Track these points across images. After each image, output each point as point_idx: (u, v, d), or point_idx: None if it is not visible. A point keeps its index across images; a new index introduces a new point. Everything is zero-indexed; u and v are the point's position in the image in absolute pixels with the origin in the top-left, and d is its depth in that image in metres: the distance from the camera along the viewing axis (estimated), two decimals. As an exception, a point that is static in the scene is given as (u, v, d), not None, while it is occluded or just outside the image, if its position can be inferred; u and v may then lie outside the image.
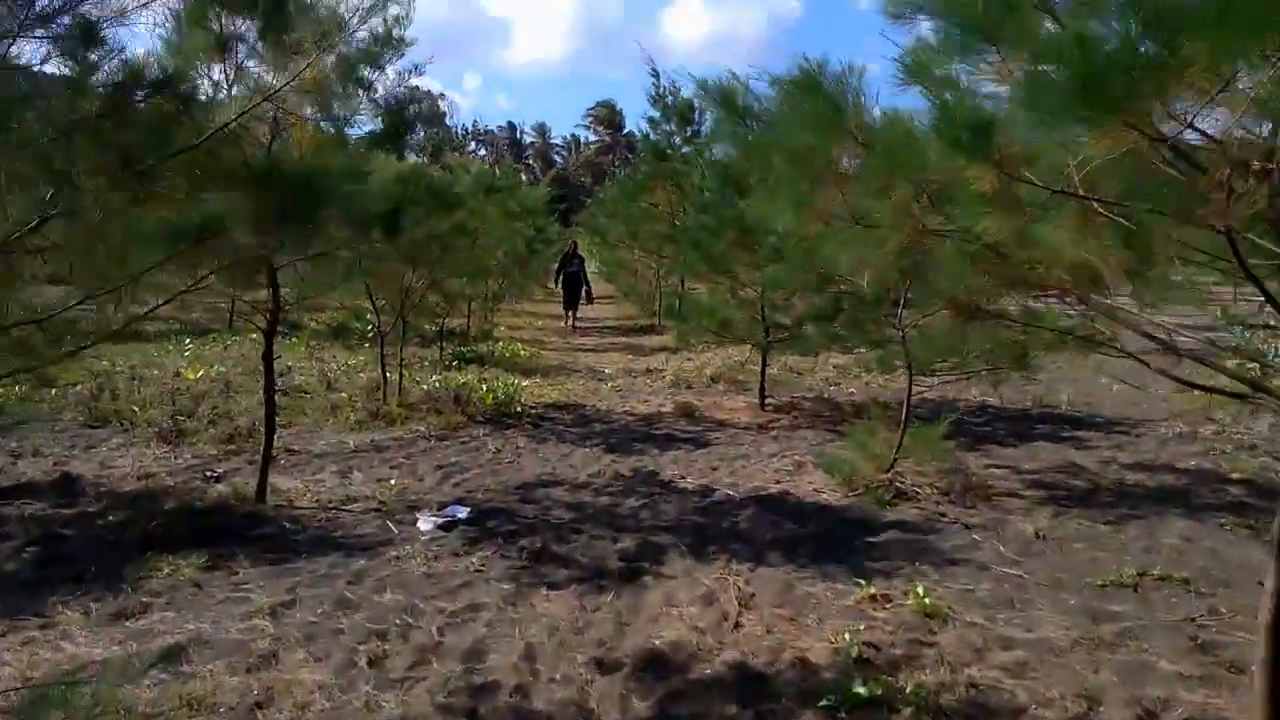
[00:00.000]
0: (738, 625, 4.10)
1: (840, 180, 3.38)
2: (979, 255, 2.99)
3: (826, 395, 10.68)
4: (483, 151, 79.09)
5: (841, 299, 7.18)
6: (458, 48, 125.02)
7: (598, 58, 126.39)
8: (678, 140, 17.52)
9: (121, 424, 8.03)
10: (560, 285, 20.27)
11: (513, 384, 10.29)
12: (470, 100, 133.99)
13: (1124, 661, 3.83)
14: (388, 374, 9.30)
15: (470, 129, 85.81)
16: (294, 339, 13.46)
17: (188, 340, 12.67)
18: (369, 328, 9.56)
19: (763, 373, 9.75)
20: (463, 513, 5.62)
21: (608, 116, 79.56)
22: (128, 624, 4.02)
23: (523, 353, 13.78)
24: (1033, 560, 5.08)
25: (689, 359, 13.76)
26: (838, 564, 4.93)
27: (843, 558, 5.05)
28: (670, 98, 17.36)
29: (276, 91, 3.69)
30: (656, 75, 17.20)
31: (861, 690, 3.31)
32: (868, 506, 5.99)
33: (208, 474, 6.55)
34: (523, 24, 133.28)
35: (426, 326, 12.87)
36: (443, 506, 5.77)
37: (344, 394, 9.21)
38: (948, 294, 3.50)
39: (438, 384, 10.20)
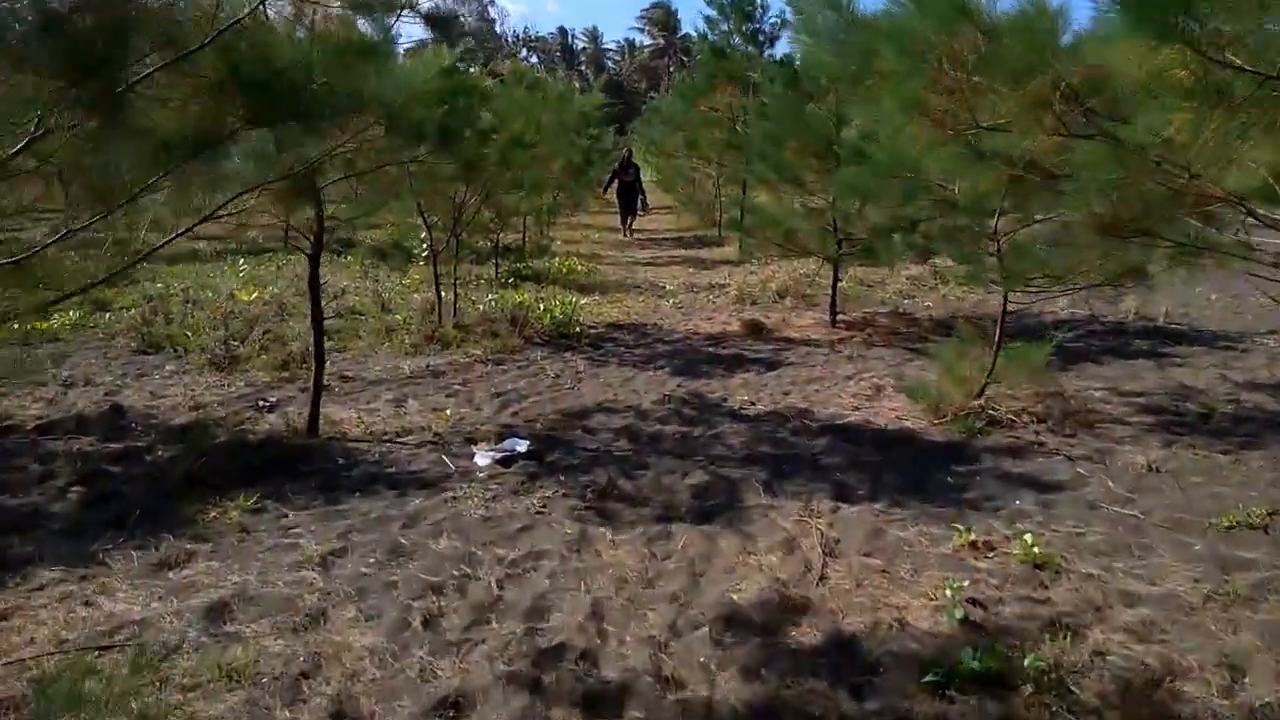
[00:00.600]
0: (823, 577, 3.72)
1: (962, 76, 2.83)
2: (1133, 161, 2.45)
3: (901, 310, 10.10)
4: (535, 59, 77.33)
5: (928, 206, 6.55)
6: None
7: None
8: (738, 40, 16.51)
9: (174, 350, 7.86)
10: (616, 194, 19.80)
11: (571, 303, 9.90)
12: (520, 7, 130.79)
13: (1265, 621, 3.37)
14: (442, 294, 8.97)
15: (521, 36, 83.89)
16: (348, 258, 13.19)
17: (242, 261, 12.47)
18: (423, 246, 9.18)
19: (834, 287, 9.19)
20: (522, 446, 5.30)
21: (662, 18, 76.90)
22: (170, 575, 3.79)
23: (580, 268, 13.35)
24: (1147, 497, 4.59)
25: (753, 273, 13.20)
26: (929, 503, 4.50)
27: (934, 495, 4.61)
28: None
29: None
30: None
31: (974, 664, 2.91)
32: (957, 435, 5.52)
33: (260, 403, 6.33)
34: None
35: (481, 243, 12.50)
36: (501, 439, 5.46)
37: (399, 316, 8.91)
38: (1088, 207, 2.96)
39: (494, 304, 9.86)
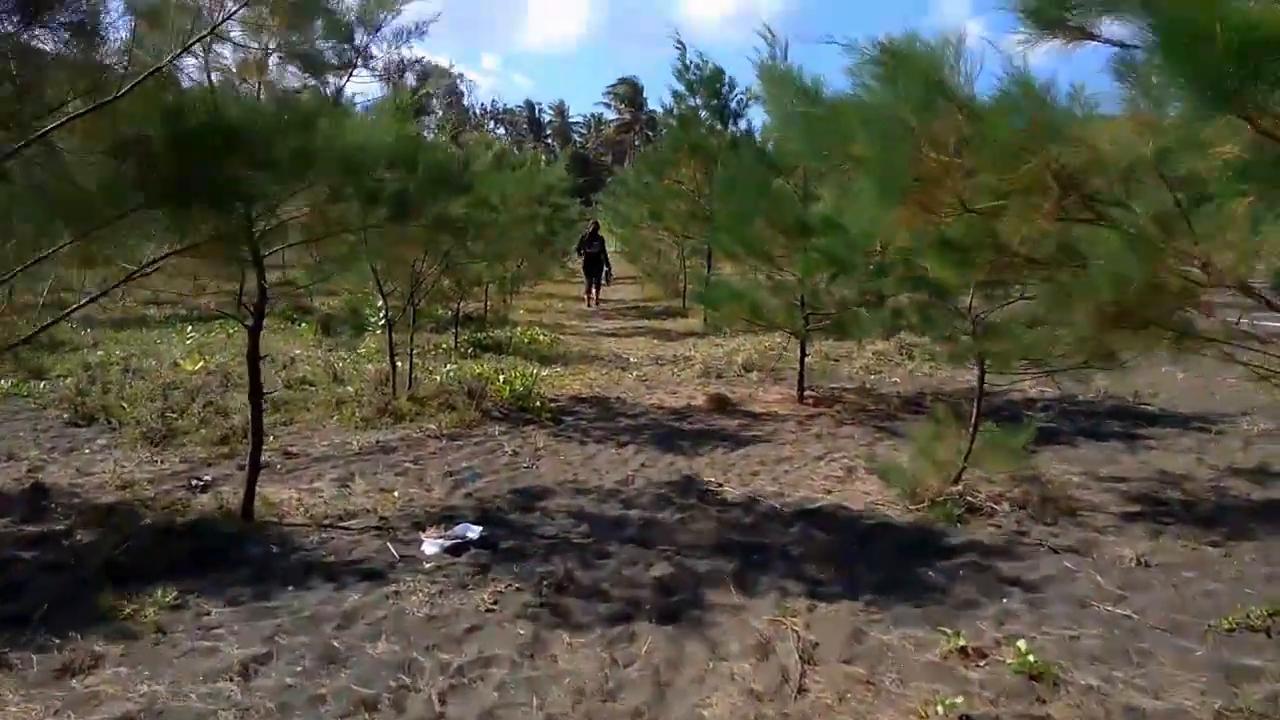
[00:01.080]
0: (802, 689, 3.38)
1: (943, 159, 2.63)
2: (1146, 250, 2.24)
3: (869, 386, 9.91)
4: (501, 131, 78.19)
5: (896, 281, 6.39)
6: (475, 27, 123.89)
7: (616, 37, 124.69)
8: (705, 114, 16.55)
9: (109, 422, 7.39)
10: (582, 265, 20.36)
11: (531, 375, 9.60)
12: (488, 79, 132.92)
13: (1282, 740, 3.09)
14: (397, 365, 8.61)
15: (489, 108, 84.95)
16: (302, 325, 12.82)
17: (190, 328, 11.99)
18: (379, 315, 8.84)
19: (801, 362, 8.98)
20: (474, 532, 4.93)
21: (629, 94, 78.38)
22: (73, 683, 3.35)
23: (542, 338, 13.08)
24: (1139, 595, 4.32)
25: (718, 345, 13.02)
26: (912, 601, 4.19)
27: (917, 592, 4.31)
28: (696, 72, 16.38)
29: (219, 24, 2.95)
30: (682, 46, 16.20)
31: (976, 801, 2.59)
32: (935, 524, 5.25)
33: (193, 482, 5.90)
34: (540, 2, 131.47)
35: (441, 311, 12.20)
36: (452, 524, 5.08)
37: (350, 388, 8.52)
38: (1092, 295, 2.74)
39: (451, 375, 9.52)
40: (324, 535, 4.99)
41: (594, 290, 20.20)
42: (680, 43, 15.90)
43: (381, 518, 5.26)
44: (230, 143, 2.44)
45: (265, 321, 5.41)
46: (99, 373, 9.05)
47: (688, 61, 16.14)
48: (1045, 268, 3.09)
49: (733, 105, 16.45)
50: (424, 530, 4.99)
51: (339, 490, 5.77)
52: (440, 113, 76.23)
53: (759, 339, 12.26)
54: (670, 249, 20.16)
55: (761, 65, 3.50)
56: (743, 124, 16.81)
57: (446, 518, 5.25)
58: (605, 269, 20.48)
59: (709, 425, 8.00)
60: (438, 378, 9.75)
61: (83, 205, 2.04)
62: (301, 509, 5.37)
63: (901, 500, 5.55)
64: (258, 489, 5.41)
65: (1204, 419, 8.13)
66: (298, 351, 11.48)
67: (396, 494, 5.59)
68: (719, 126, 16.28)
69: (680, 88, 16.24)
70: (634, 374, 10.67)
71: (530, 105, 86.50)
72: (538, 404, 8.48)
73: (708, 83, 16.18)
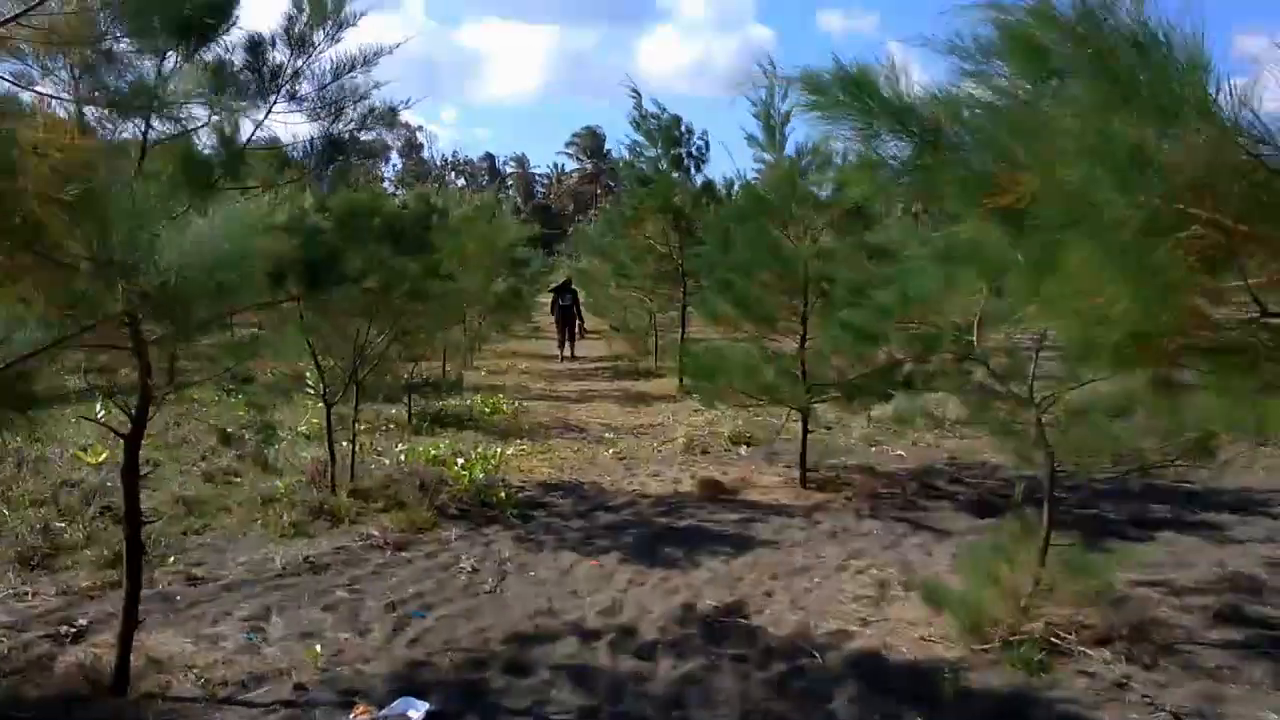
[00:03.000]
0: None
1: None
2: None
3: (872, 461, 8.85)
4: (462, 182, 77.42)
5: (952, 372, 5.37)
6: (434, 81, 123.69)
7: (574, 89, 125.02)
8: (664, 164, 15.51)
9: (-22, 536, 6.08)
10: (554, 319, 20.28)
11: (495, 457, 8.41)
12: (449, 132, 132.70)
13: None
14: (337, 452, 7.37)
15: (450, 159, 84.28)
16: (237, 397, 11.47)
17: (99, 410, 10.49)
18: (317, 388, 7.62)
19: (804, 441, 7.88)
20: (419, 710, 3.72)
21: (591, 144, 78.16)
22: None
23: (505, 408, 11.86)
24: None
25: (697, 411, 11.93)
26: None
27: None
28: (654, 121, 15.39)
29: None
30: (638, 94, 15.15)
31: None
32: (1013, 672, 4.13)
33: (64, 629, 4.63)
34: (499, 57, 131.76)
35: (390, 378, 10.94)
36: (389, 698, 3.86)
37: (280, 483, 7.24)
38: None
39: (402, 458, 8.31)
40: (220, 715, 3.76)
41: (569, 344, 19.90)
42: (635, 90, 14.91)
43: (298, 685, 4.01)
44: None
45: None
46: (-17, 467, 7.71)
47: (644, 110, 15.17)
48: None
49: (693, 151, 15.54)
50: (354, 709, 3.76)
51: (248, 638, 4.52)
52: (399, 164, 75.54)
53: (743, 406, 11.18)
54: (640, 305, 19.17)
55: (808, 77, 2.44)
56: (705, 173, 15.98)
57: (387, 688, 4.03)
58: (579, 322, 20.33)
59: (703, 521, 6.86)
60: (387, 461, 8.54)
61: None
62: (194, 672, 4.11)
63: (963, 639, 4.42)
64: (144, 637, 4.20)
65: (1255, 495, 7.18)
66: (230, 429, 10.18)
67: (319, 649, 4.33)
68: (680, 178, 15.32)
69: (638, 137, 15.27)
70: (610, 450, 9.51)
71: (490, 157, 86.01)
72: (502, 495, 7.29)
73: (665, 131, 15.19)
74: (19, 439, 8.35)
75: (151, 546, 5.67)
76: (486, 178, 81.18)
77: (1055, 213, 1.88)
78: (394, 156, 77.06)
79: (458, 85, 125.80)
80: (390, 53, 4.58)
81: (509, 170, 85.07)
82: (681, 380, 14.22)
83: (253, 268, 2.68)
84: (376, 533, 6.27)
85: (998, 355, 4.95)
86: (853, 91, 2.31)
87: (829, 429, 10.38)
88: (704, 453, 9.44)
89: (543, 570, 5.68)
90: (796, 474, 7.91)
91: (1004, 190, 1.97)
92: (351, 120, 4.86)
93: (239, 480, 7.66)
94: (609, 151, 76.99)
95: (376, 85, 4.67)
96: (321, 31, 4.48)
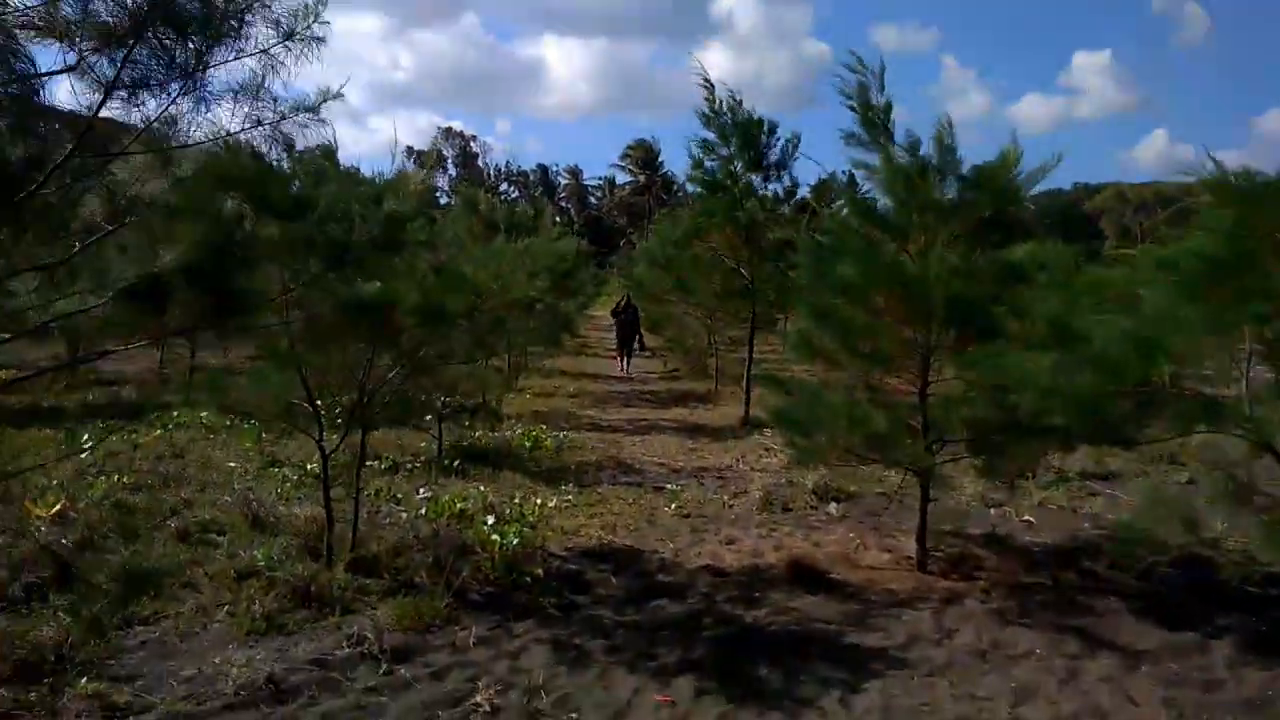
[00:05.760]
0: None
1: None
2: None
3: (998, 529, 7.12)
4: (515, 193, 76.66)
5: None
6: (489, 92, 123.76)
7: (628, 103, 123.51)
8: (739, 166, 13.64)
9: None
10: (616, 333, 20.54)
11: (533, 512, 6.88)
12: (502, 143, 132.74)
13: None
14: (334, 513, 5.88)
15: (503, 169, 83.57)
16: (248, 425, 10.05)
17: (86, 438, 9.10)
18: (310, 431, 6.15)
19: (923, 513, 6.16)
20: None
21: (644, 156, 76.80)
22: None
23: (548, 442, 10.33)
24: None
25: (767, 450, 10.32)
26: None
27: None
28: (728, 116, 13.50)
29: None
30: (710, 85, 13.28)
31: None
32: None
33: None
34: (553, 69, 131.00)
35: (423, 398, 9.43)
36: None
37: (261, 551, 5.73)
38: None
39: (421, 515, 6.80)
40: None
41: (626, 358, 20.02)
42: (707, 80, 13.09)
43: None
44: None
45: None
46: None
47: (716, 106, 13.30)
48: None
49: (774, 156, 13.71)
50: None
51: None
52: (453, 173, 74.96)
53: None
54: (700, 324, 17.59)
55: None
56: (785, 180, 14.26)
57: None
58: (639, 337, 20.83)
59: (797, 620, 5.23)
60: (404, 512, 7.07)
61: None
62: None
63: None
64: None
65: None
66: (233, 464, 8.81)
67: None
68: (757, 180, 13.53)
69: (709, 133, 13.37)
70: (672, 505, 7.91)
71: (543, 167, 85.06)
72: (539, 571, 5.74)
73: (740, 128, 13.27)
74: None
75: (67, 653, 4.24)
76: (540, 189, 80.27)
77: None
78: (449, 166, 76.72)
79: (514, 96, 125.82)
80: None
81: (562, 181, 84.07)
82: (747, 412, 12.63)
83: None
84: (371, 635, 4.72)
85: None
86: None
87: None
88: (785, 509, 7.80)
89: (588, 707, 4.09)
90: (912, 551, 6.23)
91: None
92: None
93: (219, 541, 6.21)
94: (662, 164, 75.77)
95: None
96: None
